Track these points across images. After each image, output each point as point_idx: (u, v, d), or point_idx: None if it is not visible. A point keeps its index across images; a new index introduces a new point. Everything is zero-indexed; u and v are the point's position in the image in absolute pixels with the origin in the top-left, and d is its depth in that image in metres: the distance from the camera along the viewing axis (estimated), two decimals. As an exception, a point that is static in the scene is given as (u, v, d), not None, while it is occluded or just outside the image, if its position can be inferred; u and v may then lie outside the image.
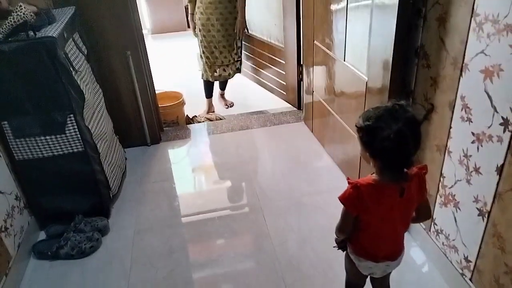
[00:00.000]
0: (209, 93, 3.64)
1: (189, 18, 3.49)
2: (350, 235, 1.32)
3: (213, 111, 3.67)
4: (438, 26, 1.57)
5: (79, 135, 2.07)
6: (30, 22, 1.86)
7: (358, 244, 1.33)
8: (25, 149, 2.05)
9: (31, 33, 1.87)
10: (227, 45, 3.39)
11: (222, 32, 3.31)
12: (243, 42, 4.00)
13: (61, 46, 1.97)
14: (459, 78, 1.49)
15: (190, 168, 2.86)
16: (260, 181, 2.59)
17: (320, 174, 2.64)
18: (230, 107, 3.75)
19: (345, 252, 1.42)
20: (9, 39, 1.86)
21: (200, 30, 3.33)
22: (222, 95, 3.85)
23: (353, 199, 1.20)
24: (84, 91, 2.10)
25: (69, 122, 2.02)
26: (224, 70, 3.50)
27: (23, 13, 1.81)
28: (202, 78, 3.54)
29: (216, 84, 3.71)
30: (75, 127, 2.05)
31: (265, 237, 2.14)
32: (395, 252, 1.34)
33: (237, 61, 3.61)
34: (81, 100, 2.07)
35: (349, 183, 1.22)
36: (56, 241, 2.10)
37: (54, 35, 1.88)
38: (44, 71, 1.89)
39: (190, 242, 2.19)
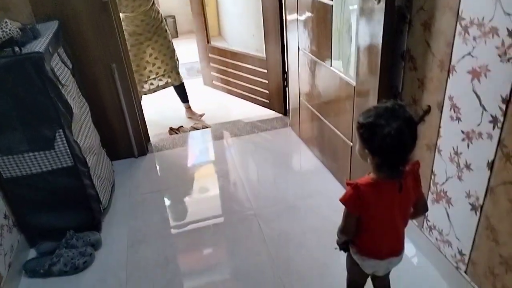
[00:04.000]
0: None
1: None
2: (353, 236, 1.35)
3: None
4: (423, 31, 1.63)
5: (68, 150, 2.04)
6: (16, 38, 1.83)
7: (362, 244, 1.35)
8: (12, 167, 2.00)
9: (17, 49, 1.84)
10: (159, 54, 3.27)
11: (152, 43, 3.21)
12: (213, 56, 3.90)
13: (48, 61, 1.94)
14: (447, 79, 1.55)
15: (179, 178, 2.84)
16: (252, 187, 2.60)
17: (311, 178, 2.67)
18: (201, 117, 3.63)
19: (346, 253, 1.45)
20: (-6, 55, 1.83)
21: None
22: (188, 108, 3.65)
23: (355, 199, 1.23)
24: (71, 105, 2.08)
25: (58, 137, 1.99)
26: (160, 79, 3.37)
27: (9, 29, 1.78)
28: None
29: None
30: (64, 142, 2.01)
31: (261, 243, 2.15)
32: (397, 249, 1.37)
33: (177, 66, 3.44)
34: (69, 114, 2.05)
35: (348, 184, 1.25)
36: (47, 258, 2.05)
37: (40, 50, 1.86)
38: (31, 86, 1.86)
39: (186, 252, 2.18)
